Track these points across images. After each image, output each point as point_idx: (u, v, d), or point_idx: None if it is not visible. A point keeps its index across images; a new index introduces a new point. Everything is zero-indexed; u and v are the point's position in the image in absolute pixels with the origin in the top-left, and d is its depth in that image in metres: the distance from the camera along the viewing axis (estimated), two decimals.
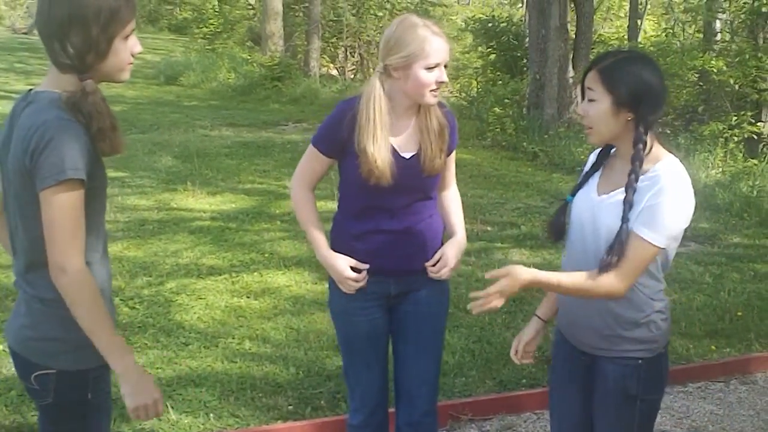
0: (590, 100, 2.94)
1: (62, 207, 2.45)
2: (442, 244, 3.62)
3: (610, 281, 2.87)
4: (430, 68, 3.27)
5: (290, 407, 4.94)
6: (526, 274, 2.89)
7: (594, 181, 3.10)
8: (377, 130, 3.32)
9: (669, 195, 2.84)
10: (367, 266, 3.48)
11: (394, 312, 3.64)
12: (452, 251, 3.53)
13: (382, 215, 3.48)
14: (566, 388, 3.29)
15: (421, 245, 3.53)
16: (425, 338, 3.64)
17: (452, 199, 3.70)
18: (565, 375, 3.29)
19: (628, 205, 2.87)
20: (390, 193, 3.41)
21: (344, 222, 3.57)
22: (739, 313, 6.67)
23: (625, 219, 2.86)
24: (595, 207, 3.00)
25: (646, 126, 2.90)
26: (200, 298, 6.54)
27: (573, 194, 3.15)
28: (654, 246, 2.86)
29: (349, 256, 3.49)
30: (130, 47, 2.57)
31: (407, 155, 3.42)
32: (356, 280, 3.46)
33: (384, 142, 3.33)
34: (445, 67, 3.33)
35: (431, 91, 3.31)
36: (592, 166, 3.16)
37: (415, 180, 3.44)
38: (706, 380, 5.67)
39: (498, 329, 6.16)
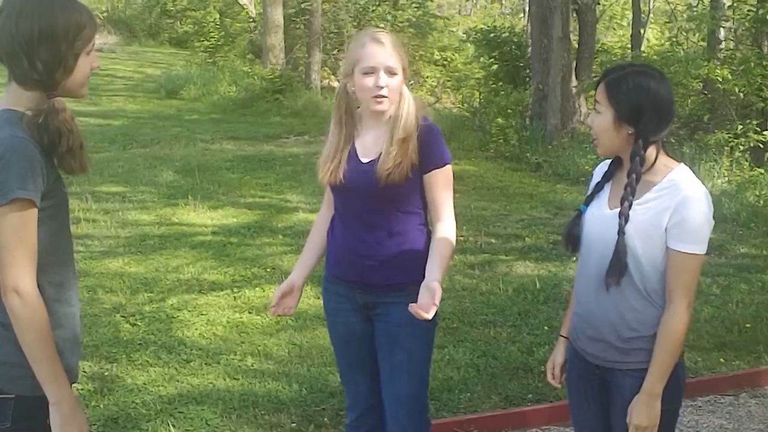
0: (597, 112, 2.97)
1: (11, 227, 2.40)
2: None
3: (677, 315, 2.90)
4: (366, 73, 3.29)
5: (293, 425, 4.87)
6: (650, 401, 2.94)
7: (605, 193, 3.11)
8: (330, 131, 3.46)
9: (693, 203, 2.87)
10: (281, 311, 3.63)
11: (373, 324, 3.59)
12: (422, 296, 3.16)
13: (350, 221, 3.49)
14: (584, 402, 3.27)
15: (384, 260, 3.44)
16: (398, 359, 3.53)
17: (439, 239, 3.42)
18: (581, 390, 3.28)
19: (623, 218, 2.91)
20: (351, 197, 3.45)
21: (332, 223, 3.61)
22: (748, 325, 6.57)
23: (621, 232, 2.91)
24: (608, 220, 3.00)
25: (646, 142, 2.91)
26: (202, 314, 6.47)
27: (586, 204, 3.15)
28: (698, 255, 2.90)
29: (330, 258, 3.62)
30: (92, 63, 2.58)
31: (366, 160, 3.42)
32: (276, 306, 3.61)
33: (335, 143, 3.43)
34: (393, 74, 3.31)
35: (374, 97, 3.32)
36: (604, 176, 3.16)
37: (371, 187, 3.37)
38: (715, 394, 5.58)
39: (503, 344, 6.08)
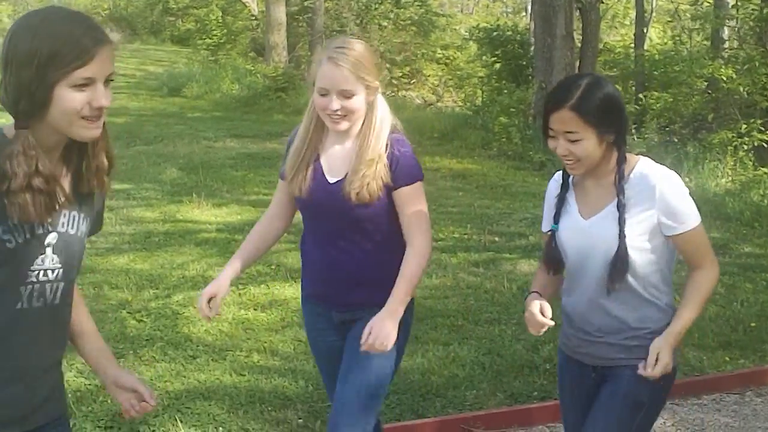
0: (572, 141, 2.89)
1: None
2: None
3: (711, 272, 2.98)
4: (321, 94, 3.17)
5: (300, 420, 4.88)
6: (670, 340, 2.89)
7: (572, 206, 3.10)
8: (293, 148, 3.34)
9: (671, 189, 2.92)
10: (212, 315, 3.31)
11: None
12: (377, 322, 3.11)
13: (321, 240, 3.38)
14: (578, 405, 3.24)
15: (364, 279, 3.32)
16: (351, 358, 3.31)
17: (407, 259, 3.23)
18: (575, 394, 3.26)
19: (622, 223, 2.92)
20: (320, 217, 3.34)
21: (301, 243, 3.54)
22: (753, 324, 6.59)
23: (622, 236, 2.91)
24: (587, 229, 3.02)
25: (624, 143, 2.97)
26: None
27: (555, 222, 3.13)
28: (699, 224, 2.96)
29: (305, 277, 3.53)
30: (86, 99, 2.15)
31: (333, 179, 3.28)
32: (205, 310, 3.30)
33: (298, 160, 3.30)
34: (349, 97, 3.16)
35: (328, 115, 3.19)
36: (562, 188, 3.15)
37: (343, 207, 3.23)
38: (721, 392, 5.59)
39: (508, 341, 6.09)
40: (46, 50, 2.08)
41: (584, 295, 3.07)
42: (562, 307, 3.25)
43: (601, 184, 3.00)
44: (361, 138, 3.25)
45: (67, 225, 2.30)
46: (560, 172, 3.16)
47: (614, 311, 3.02)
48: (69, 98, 2.12)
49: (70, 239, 2.31)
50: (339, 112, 3.16)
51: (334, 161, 3.31)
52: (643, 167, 2.95)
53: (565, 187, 3.12)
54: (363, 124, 3.27)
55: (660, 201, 2.89)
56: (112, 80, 2.21)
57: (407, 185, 3.26)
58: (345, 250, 3.32)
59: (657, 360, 2.85)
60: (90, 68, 2.11)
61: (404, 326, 3.24)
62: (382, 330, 3.08)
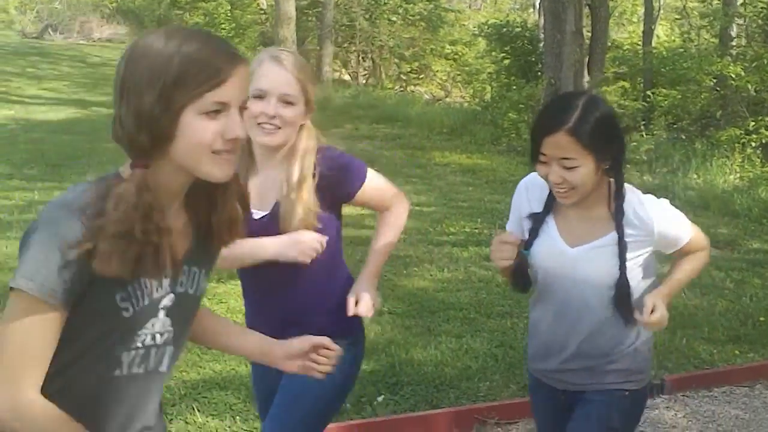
0: (568, 168, 2.65)
1: (13, 321, 1.75)
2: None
3: (704, 253, 2.98)
4: (256, 96, 2.72)
5: None
6: (664, 298, 2.77)
7: (551, 229, 2.88)
8: None
9: (665, 221, 2.81)
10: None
11: None
12: (361, 290, 2.94)
13: (251, 280, 3.01)
14: (550, 421, 3.13)
15: (288, 319, 2.89)
16: (283, 397, 2.96)
17: (382, 224, 3.06)
18: (549, 411, 3.13)
19: (623, 258, 2.76)
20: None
21: (241, 280, 3.14)
22: (762, 319, 6.64)
23: (623, 270, 2.77)
24: (572, 257, 2.82)
25: (622, 166, 2.78)
26: (222, 302, 6.52)
27: (527, 248, 2.88)
28: (692, 232, 2.90)
29: (247, 321, 3.12)
30: (219, 129, 1.78)
31: (258, 215, 2.83)
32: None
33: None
34: (289, 104, 2.76)
35: (259, 124, 2.73)
36: (545, 208, 2.91)
37: None
38: (731, 385, 5.64)
39: (520, 334, 6.13)
40: (173, 70, 1.73)
41: (564, 320, 2.91)
42: (531, 326, 3.10)
43: (589, 214, 2.81)
44: (287, 166, 2.83)
45: (187, 284, 1.97)
46: (539, 180, 2.85)
47: (597, 337, 2.88)
48: (198, 127, 1.76)
49: (188, 300, 1.99)
50: (275, 121, 2.74)
51: (260, 190, 2.84)
52: (634, 202, 2.78)
53: (546, 208, 2.89)
54: (291, 149, 2.85)
55: (658, 236, 2.78)
56: (246, 108, 1.85)
57: (359, 188, 2.93)
58: (276, 289, 2.93)
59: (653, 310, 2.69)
60: (224, 91, 1.76)
61: (351, 364, 3.02)
62: (361, 298, 2.91)
